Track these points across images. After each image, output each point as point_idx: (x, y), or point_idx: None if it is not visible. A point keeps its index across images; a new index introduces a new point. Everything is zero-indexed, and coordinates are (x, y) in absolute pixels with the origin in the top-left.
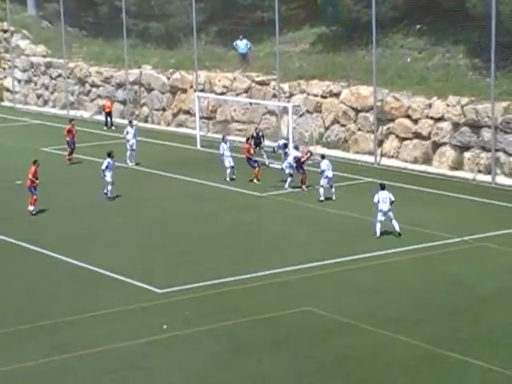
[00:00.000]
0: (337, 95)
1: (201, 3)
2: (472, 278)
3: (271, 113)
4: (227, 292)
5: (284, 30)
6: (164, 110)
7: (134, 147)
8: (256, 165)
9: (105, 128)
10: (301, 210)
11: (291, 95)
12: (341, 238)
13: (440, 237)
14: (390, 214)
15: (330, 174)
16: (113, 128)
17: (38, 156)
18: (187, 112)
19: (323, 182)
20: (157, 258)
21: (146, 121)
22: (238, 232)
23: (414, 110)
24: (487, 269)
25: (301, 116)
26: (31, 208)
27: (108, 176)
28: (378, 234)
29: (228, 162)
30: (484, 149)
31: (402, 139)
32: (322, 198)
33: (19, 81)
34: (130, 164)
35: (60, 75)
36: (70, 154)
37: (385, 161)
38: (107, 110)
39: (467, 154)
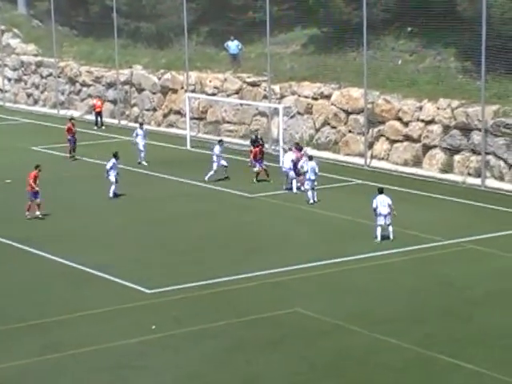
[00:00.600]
0: (328, 97)
1: (192, 3)
2: (463, 281)
3: (262, 114)
4: (222, 292)
5: (275, 32)
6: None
7: (142, 148)
8: (259, 165)
9: (95, 127)
10: (294, 211)
11: (282, 96)
12: (333, 240)
13: (430, 239)
14: (388, 218)
15: (312, 176)
16: (103, 128)
17: (28, 155)
18: (178, 112)
19: (307, 184)
20: (151, 258)
21: (136, 121)
22: (233, 232)
23: (404, 113)
24: (478, 271)
25: (291, 117)
26: (38, 213)
27: (112, 176)
28: (379, 238)
29: (223, 162)
30: (474, 152)
31: (393, 141)
32: (311, 201)
33: (9, 79)
34: (145, 163)
35: (50, 74)
36: (72, 151)
37: (375, 163)
38: (97, 109)
39: (457, 157)
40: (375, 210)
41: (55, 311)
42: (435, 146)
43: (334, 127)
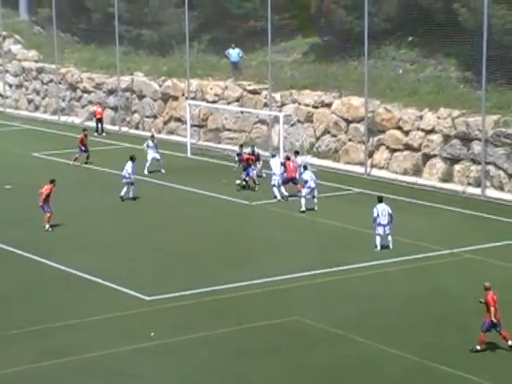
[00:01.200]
0: (328, 105)
1: (194, 11)
2: (460, 290)
3: (262, 122)
4: (218, 300)
5: (276, 40)
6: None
7: (158, 157)
8: (245, 174)
9: (95, 134)
10: (291, 219)
11: (283, 105)
12: (331, 248)
13: (429, 248)
14: (388, 227)
15: (312, 184)
16: (103, 134)
17: (29, 161)
18: (178, 119)
19: (305, 192)
20: (148, 265)
21: (137, 128)
22: (229, 240)
23: (404, 122)
24: (476, 281)
25: (292, 126)
26: (47, 226)
27: (132, 178)
28: (379, 247)
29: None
30: (474, 161)
31: (393, 150)
32: (304, 209)
33: (10, 85)
34: (163, 171)
35: (51, 80)
36: (86, 158)
37: (375, 172)
38: (98, 116)
39: (457, 167)
40: (375, 219)
41: (52, 317)
42: (435, 156)
43: (334, 136)
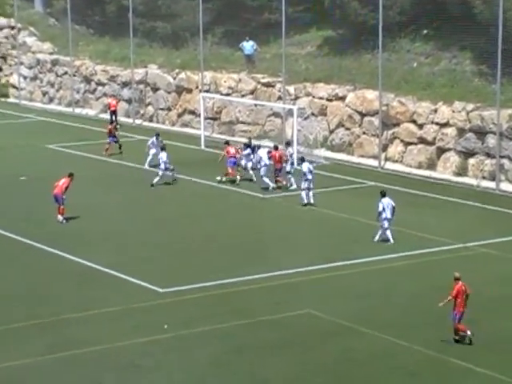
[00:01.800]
0: (342, 98)
1: (208, 4)
2: (474, 284)
3: (276, 115)
4: (228, 293)
5: (290, 33)
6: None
7: (151, 154)
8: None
9: (109, 126)
10: (303, 212)
11: (296, 98)
12: (342, 242)
13: (443, 242)
14: (391, 221)
15: (310, 176)
16: (118, 127)
17: (43, 153)
18: (192, 112)
19: (304, 185)
20: (160, 258)
21: (150, 120)
22: (239, 234)
23: (419, 115)
24: (489, 275)
25: (306, 119)
26: (60, 218)
27: (171, 166)
28: (392, 239)
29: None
30: (488, 155)
31: (407, 144)
32: (305, 202)
33: (25, 78)
34: (147, 166)
35: (66, 73)
36: (119, 148)
37: (389, 165)
38: (112, 108)
39: (472, 160)
40: (381, 213)
41: (66, 309)
42: (450, 149)
43: (348, 129)
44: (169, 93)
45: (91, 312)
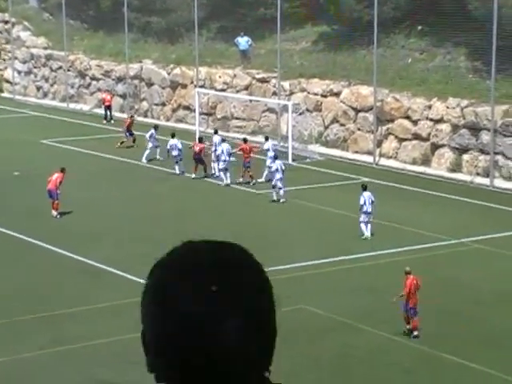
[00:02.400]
0: (337, 94)
1: None
2: (468, 281)
3: (271, 110)
4: None
5: (286, 28)
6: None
7: (150, 146)
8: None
9: (104, 121)
10: (297, 208)
11: (291, 93)
12: (337, 237)
13: (437, 238)
14: (370, 216)
15: (279, 175)
16: (112, 122)
17: (37, 148)
18: (187, 108)
19: (276, 183)
20: (157, 254)
21: (145, 115)
22: (233, 230)
23: (413, 111)
24: (483, 271)
25: (300, 114)
26: (54, 213)
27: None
28: (369, 234)
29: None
30: (483, 151)
31: (401, 140)
32: (275, 198)
33: (19, 72)
34: (144, 161)
35: (60, 67)
36: (133, 141)
37: (383, 161)
38: (107, 103)
39: (466, 157)
40: (362, 206)
41: (65, 304)
42: (444, 145)
43: (342, 125)
44: (163, 88)
45: (88, 307)
